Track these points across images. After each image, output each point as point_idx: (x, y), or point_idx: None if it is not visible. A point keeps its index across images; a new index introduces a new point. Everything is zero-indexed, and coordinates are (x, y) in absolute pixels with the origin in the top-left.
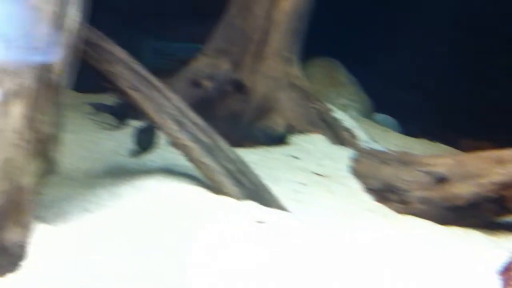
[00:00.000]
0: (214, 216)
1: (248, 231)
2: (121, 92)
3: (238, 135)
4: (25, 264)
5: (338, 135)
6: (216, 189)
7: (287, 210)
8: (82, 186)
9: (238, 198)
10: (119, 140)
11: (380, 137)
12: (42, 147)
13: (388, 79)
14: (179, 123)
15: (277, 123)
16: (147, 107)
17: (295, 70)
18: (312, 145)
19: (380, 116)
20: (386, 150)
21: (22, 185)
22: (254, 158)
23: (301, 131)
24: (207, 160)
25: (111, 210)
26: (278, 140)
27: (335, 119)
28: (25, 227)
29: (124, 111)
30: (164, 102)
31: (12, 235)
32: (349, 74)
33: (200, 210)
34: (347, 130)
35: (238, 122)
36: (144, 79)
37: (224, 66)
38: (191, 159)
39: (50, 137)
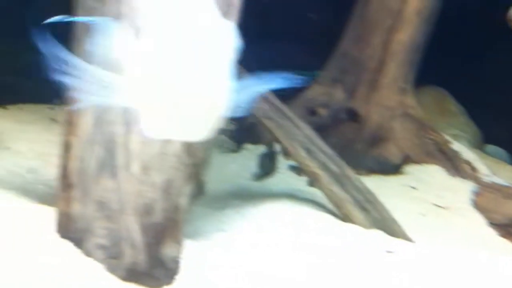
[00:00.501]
0: (342, 243)
1: (378, 260)
2: (257, 120)
3: (351, 163)
4: (178, 277)
5: (457, 167)
6: (343, 217)
7: (411, 240)
8: (214, 207)
9: (365, 227)
10: (241, 163)
11: (493, 169)
12: (196, 171)
13: (498, 109)
14: (309, 151)
15: (392, 153)
16: (280, 135)
17: (410, 100)
18: (429, 176)
19: (491, 148)
20: (509, 185)
21: (179, 204)
22: (370, 186)
23: (416, 162)
24: (335, 188)
25: (240, 229)
26: (393, 169)
27: (454, 151)
28: (179, 243)
29: (241, 135)
30: (295, 130)
31: (168, 250)
32: (458, 104)
33: (329, 236)
34: (467, 162)
35: (352, 150)
36: (277, 109)
37: (338, 95)
38: (320, 186)
39: (203, 161)
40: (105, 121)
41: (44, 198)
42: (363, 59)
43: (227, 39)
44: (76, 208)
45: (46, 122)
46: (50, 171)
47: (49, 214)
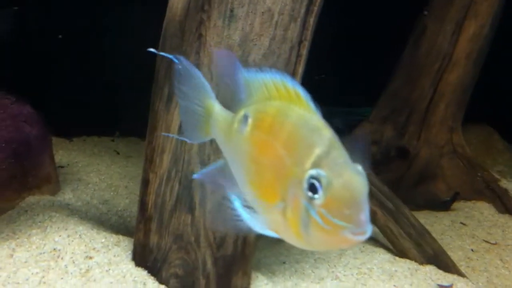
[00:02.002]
0: (398, 279)
1: None
2: None
3: (401, 199)
4: None
5: (506, 204)
6: (399, 252)
7: (464, 275)
8: (273, 240)
9: (420, 262)
10: None
11: None
12: None
13: None
14: None
15: (441, 190)
16: None
17: (458, 138)
18: (479, 213)
19: None
20: None
21: (248, 238)
22: (422, 222)
23: (466, 199)
24: (391, 224)
25: (299, 260)
26: (442, 206)
27: (502, 188)
28: (248, 275)
29: None
30: None
31: (239, 282)
32: (504, 141)
33: (385, 271)
34: None
35: (402, 186)
36: None
37: (389, 133)
38: (376, 223)
39: None
40: (184, 160)
41: (117, 228)
42: (413, 99)
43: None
44: (153, 239)
45: (111, 154)
46: (121, 202)
47: (124, 244)
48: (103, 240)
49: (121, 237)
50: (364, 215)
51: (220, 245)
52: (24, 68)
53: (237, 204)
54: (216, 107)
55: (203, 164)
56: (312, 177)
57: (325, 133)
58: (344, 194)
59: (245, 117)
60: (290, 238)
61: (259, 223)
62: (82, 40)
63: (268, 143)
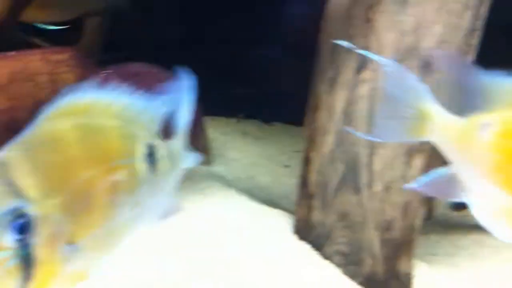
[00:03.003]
0: None
1: None
2: None
3: None
4: None
5: None
6: None
7: None
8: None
9: None
10: None
11: None
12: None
13: None
14: None
15: None
16: None
17: None
18: None
19: None
20: None
21: (415, 224)
22: None
23: None
24: None
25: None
26: None
27: None
28: (411, 261)
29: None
30: None
31: (403, 265)
32: None
33: None
34: None
35: None
36: None
37: None
38: None
39: None
40: (348, 142)
41: (266, 202)
42: None
43: None
44: (316, 216)
45: (242, 135)
46: (264, 179)
47: (283, 217)
48: (263, 211)
49: (279, 210)
50: None
51: (388, 228)
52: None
53: None
54: (437, 110)
55: (370, 147)
56: None
57: None
58: None
59: (487, 124)
60: None
61: None
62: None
63: None
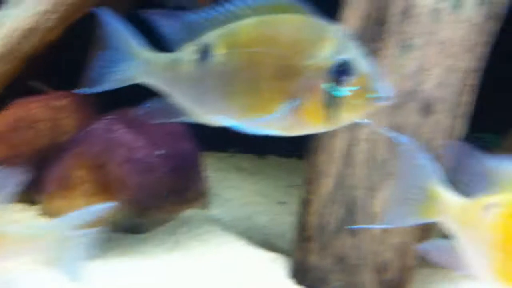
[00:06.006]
0: None
1: None
2: None
3: None
4: None
5: None
6: None
7: None
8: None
9: None
10: None
11: None
12: (427, 235)
13: None
14: None
15: None
16: None
17: None
18: None
19: None
20: None
21: (411, 264)
22: None
23: None
24: None
25: None
26: None
27: None
28: None
29: None
30: None
31: None
32: None
33: None
34: None
35: None
36: None
37: None
38: None
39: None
40: (348, 185)
41: (263, 244)
42: None
43: None
44: (313, 259)
45: (236, 171)
46: (261, 219)
47: (280, 261)
48: (260, 257)
49: (275, 254)
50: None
51: (384, 269)
52: None
53: None
54: (445, 191)
55: (369, 190)
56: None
57: None
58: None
59: (492, 206)
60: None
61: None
62: None
63: None
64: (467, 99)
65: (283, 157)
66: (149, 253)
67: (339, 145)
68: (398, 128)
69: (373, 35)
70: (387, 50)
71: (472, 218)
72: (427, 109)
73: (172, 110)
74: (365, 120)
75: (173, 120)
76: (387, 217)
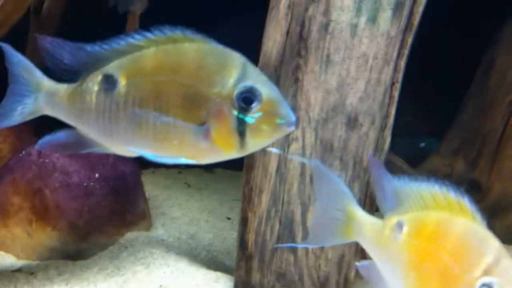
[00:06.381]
0: None
1: None
2: None
3: None
4: None
5: None
6: None
7: None
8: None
9: None
10: None
11: None
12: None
13: None
14: None
15: None
16: None
17: None
18: None
19: None
20: None
21: (349, 277)
22: None
23: None
24: None
25: None
26: None
27: None
28: None
29: None
30: None
31: None
32: None
33: None
34: None
35: None
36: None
37: (460, 166)
38: None
39: None
40: (283, 201)
41: (207, 263)
42: (484, 132)
43: None
44: (256, 277)
45: (183, 187)
46: (205, 237)
47: (222, 280)
48: (203, 277)
49: (218, 273)
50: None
51: (324, 284)
52: None
53: None
54: (360, 212)
55: (304, 205)
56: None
57: (493, 243)
58: None
59: (399, 225)
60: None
61: None
62: None
63: (430, 251)
64: (391, 111)
65: (230, 169)
66: (90, 280)
67: (272, 161)
68: (326, 142)
69: (295, 51)
70: (309, 65)
71: (381, 237)
72: (353, 122)
73: (83, 141)
74: (274, 150)
75: (84, 151)
76: (310, 237)
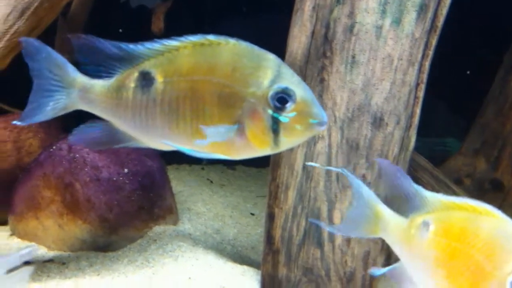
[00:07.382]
0: None
1: None
2: None
3: None
4: None
5: None
6: None
7: None
8: None
9: None
10: None
11: None
12: None
13: None
14: None
15: None
16: None
17: None
18: None
19: None
20: None
21: None
22: None
23: None
24: None
25: None
26: None
27: None
28: None
29: None
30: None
31: None
32: None
33: None
34: None
35: None
36: (443, 183)
37: (481, 166)
38: None
39: None
40: (309, 197)
41: (233, 257)
42: (505, 132)
43: None
44: (282, 271)
45: (206, 183)
46: (230, 232)
47: (249, 274)
48: (230, 270)
49: (245, 267)
50: None
51: (350, 279)
52: None
53: None
54: (387, 212)
55: (330, 202)
56: None
57: None
58: None
59: (425, 224)
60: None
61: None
62: None
63: (460, 249)
64: (416, 111)
65: (252, 167)
66: (120, 271)
67: (298, 159)
68: (352, 142)
69: (320, 52)
70: (335, 66)
71: (408, 236)
72: (378, 122)
73: (116, 136)
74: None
75: (117, 146)
76: (340, 225)
